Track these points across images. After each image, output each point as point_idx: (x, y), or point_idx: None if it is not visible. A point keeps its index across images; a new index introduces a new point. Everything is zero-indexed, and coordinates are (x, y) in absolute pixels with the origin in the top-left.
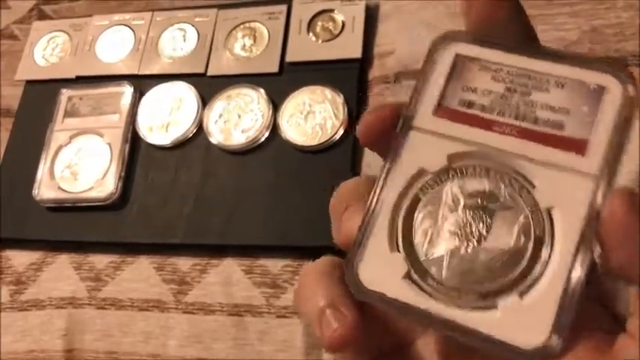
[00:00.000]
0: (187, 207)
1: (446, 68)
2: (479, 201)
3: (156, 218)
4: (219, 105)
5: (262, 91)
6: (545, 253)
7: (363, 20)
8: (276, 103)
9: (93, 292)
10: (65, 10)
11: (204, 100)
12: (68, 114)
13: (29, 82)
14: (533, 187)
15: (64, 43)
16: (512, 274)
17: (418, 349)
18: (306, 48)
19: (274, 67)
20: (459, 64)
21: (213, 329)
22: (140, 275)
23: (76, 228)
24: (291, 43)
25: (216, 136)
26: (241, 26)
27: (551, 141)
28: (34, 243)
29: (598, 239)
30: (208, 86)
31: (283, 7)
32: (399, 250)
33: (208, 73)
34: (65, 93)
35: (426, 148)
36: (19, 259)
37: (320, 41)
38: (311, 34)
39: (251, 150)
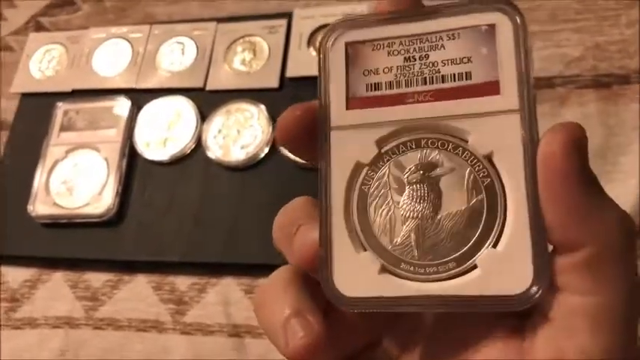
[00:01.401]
0: (186, 224)
1: (341, 60)
2: (421, 173)
3: (153, 235)
4: (218, 120)
5: (262, 106)
6: (500, 198)
7: None
8: (275, 119)
9: (90, 312)
10: (62, 22)
11: (203, 115)
12: (64, 128)
13: (25, 95)
14: (466, 141)
15: (61, 56)
16: (478, 229)
17: (385, 347)
18: (306, 63)
19: (274, 82)
20: (352, 52)
21: (212, 350)
22: (138, 295)
23: (71, 245)
24: (291, 58)
25: (215, 152)
26: (241, 40)
27: (465, 92)
28: (29, 260)
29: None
30: (207, 101)
31: (283, 22)
32: (365, 249)
33: (207, 88)
34: (61, 106)
35: (352, 142)
36: (14, 275)
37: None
38: (311, 48)
39: (251, 166)
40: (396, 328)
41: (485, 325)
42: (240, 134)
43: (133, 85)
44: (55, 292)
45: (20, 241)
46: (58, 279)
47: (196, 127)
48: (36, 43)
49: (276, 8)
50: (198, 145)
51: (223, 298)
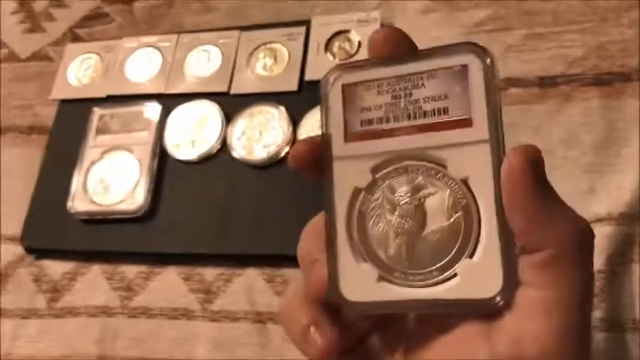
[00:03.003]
0: (213, 219)
1: (339, 100)
2: (409, 196)
3: (183, 229)
4: (242, 122)
5: (283, 108)
6: (475, 216)
7: None
8: (295, 120)
9: (125, 302)
10: (98, 33)
11: (228, 118)
12: (100, 131)
13: (63, 102)
14: (445, 167)
15: (96, 64)
16: (457, 243)
17: (373, 342)
18: (323, 67)
19: (294, 86)
20: (348, 92)
21: (238, 336)
22: (169, 285)
23: (107, 239)
24: (309, 63)
25: (239, 152)
26: (262, 47)
27: (443, 125)
28: (68, 254)
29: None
30: (232, 104)
31: (302, 29)
32: (365, 261)
33: (231, 92)
34: (97, 111)
35: (351, 171)
36: (55, 268)
37: (337, 60)
38: (328, 53)
39: (272, 164)
40: (384, 325)
41: None
42: (262, 135)
43: (163, 91)
44: (93, 284)
45: (60, 236)
46: (95, 271)
47: (222, 129)
48: (73, 52)
49: (295, 17)
50: (224, 145)
51: (248, 287)
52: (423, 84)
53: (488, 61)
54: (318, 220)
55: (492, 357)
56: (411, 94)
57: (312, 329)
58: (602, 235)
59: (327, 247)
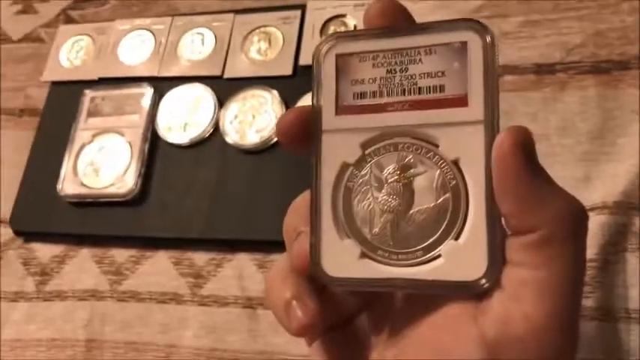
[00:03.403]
0: (204, 203)
1: (332, 70)
2: (397, 174)
3: (173, 214)
4: (235, 106)
5: (275, 92)
6: (463, 198)
7: None
8: (289, 105)
9: (114, 285)
10: (91, 15)
11: (221, 101)
12: (91, 114)
13: (54, 84)
14: (437, 146)
15: (88, 46)
16: (444, 224)
17: (361, 322)
18: None
19: (288, 70)
20: (342, 63)
21: (228, 321)
22: (159, 269)
23: (97, 222)
24: (304, 47)
25: (231, 136)
26: (257, 30)
27: (438, 103)
28: (57, 237)
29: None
30: (225, 88)
31: (297, 13)
32: (348, 237)
33: (225, 76)
34: (88, 94)
35: (340, 145)
36: (44, 251)
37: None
38: (323, 37)
39: (265, 149)
40: (370, 305)
41: None
42: (255, 119)
43: (156, 74)
44: (82, 267)
45: (50, 218)
46: (85, 254)
47: (214, 113)
48: (65, 34)
49: (290, 0)
50: (216, 129)
51: (238, 272)
52: (420, 59)
53: (489, 39)
54: (305, 196)
55: (480, 338)
56: (407, 69)
57: (294, 303)
58: (597, 224)
59: (311, 221)
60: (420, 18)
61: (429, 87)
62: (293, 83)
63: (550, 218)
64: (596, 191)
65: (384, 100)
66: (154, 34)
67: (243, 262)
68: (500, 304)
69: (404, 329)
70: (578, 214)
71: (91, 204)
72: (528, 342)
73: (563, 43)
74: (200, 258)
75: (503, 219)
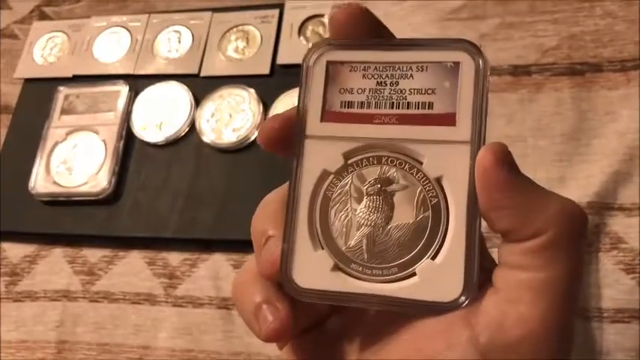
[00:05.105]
0: (179, 203)
1: (321, 76)
2: (378, 187)
3: (148, 213)
4: (212, 105)
5: (253, 91)
6: (443, 217)
7: None
8: (266, 104)
9: (87, 286)
10: (65, 12)
11: (197, 100)
12: (65, 111)
13: (28, 80)
14: (421, 163)
15: (63, 43)
16: (421, 242)
17: (331, 325)
18: (296, 51)
19: (265, 69)
20: (332, 70)
21: (202, 322)
22: (132, 269)
23: (70, 222)
24: (282, 46)
25: (208, 135)
26: (234, 29)
27: (426, 120)
28: (29, 236)
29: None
30: (201, 86)
31: (275, 12)
32: (322, 248)
33: (201, 74)
34: (62, 91)
35: (322, 152)
36: (14, 251)
37: (310, 44)
38: (302, 37)
39: (242, 148)
40: (346, 308)
41: None
42: (232, 118)
43: (132, 72)
44: (54, 267)
45: (21, 217)
46: (57, 254)
47: (190, 112)
48: (39, 30)
49: None
50: (192, 128)
51: (213, 272)
52: (411, 75)
53: (481, 62)
54: (277, 193)
55: (473, 342)
56: (397, 83)
57: (264, 307)
58: None
59: (285, 227)
60: (400, 19)
61: (418, 103)
62: (270, 82)
63: (545, 224)
64: (571, 192)
65: (372, 111)
66: (130, 32)
67: (219, 262)
68: (496, 307)
69: (384, 333)
70: (574, 216)
71: (63, 203)
72: (523, 345)
73: (539, 45)
74: (174, 258)
75: (500, 235)
